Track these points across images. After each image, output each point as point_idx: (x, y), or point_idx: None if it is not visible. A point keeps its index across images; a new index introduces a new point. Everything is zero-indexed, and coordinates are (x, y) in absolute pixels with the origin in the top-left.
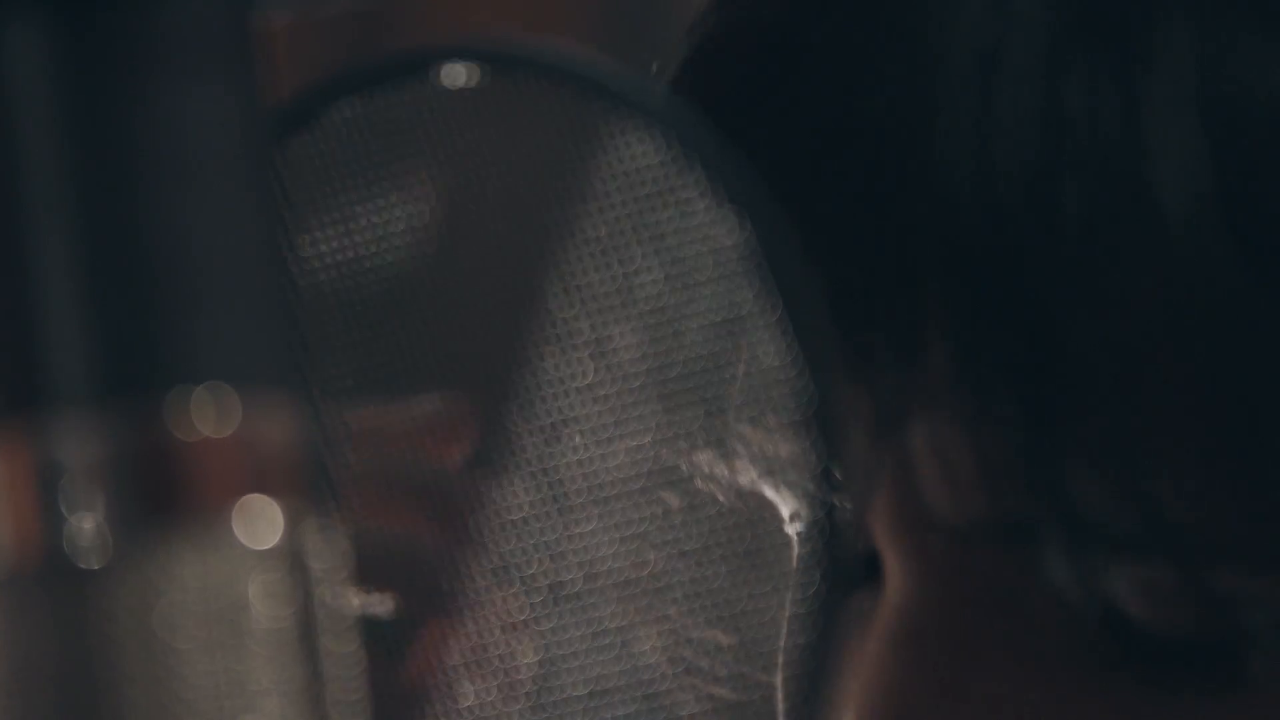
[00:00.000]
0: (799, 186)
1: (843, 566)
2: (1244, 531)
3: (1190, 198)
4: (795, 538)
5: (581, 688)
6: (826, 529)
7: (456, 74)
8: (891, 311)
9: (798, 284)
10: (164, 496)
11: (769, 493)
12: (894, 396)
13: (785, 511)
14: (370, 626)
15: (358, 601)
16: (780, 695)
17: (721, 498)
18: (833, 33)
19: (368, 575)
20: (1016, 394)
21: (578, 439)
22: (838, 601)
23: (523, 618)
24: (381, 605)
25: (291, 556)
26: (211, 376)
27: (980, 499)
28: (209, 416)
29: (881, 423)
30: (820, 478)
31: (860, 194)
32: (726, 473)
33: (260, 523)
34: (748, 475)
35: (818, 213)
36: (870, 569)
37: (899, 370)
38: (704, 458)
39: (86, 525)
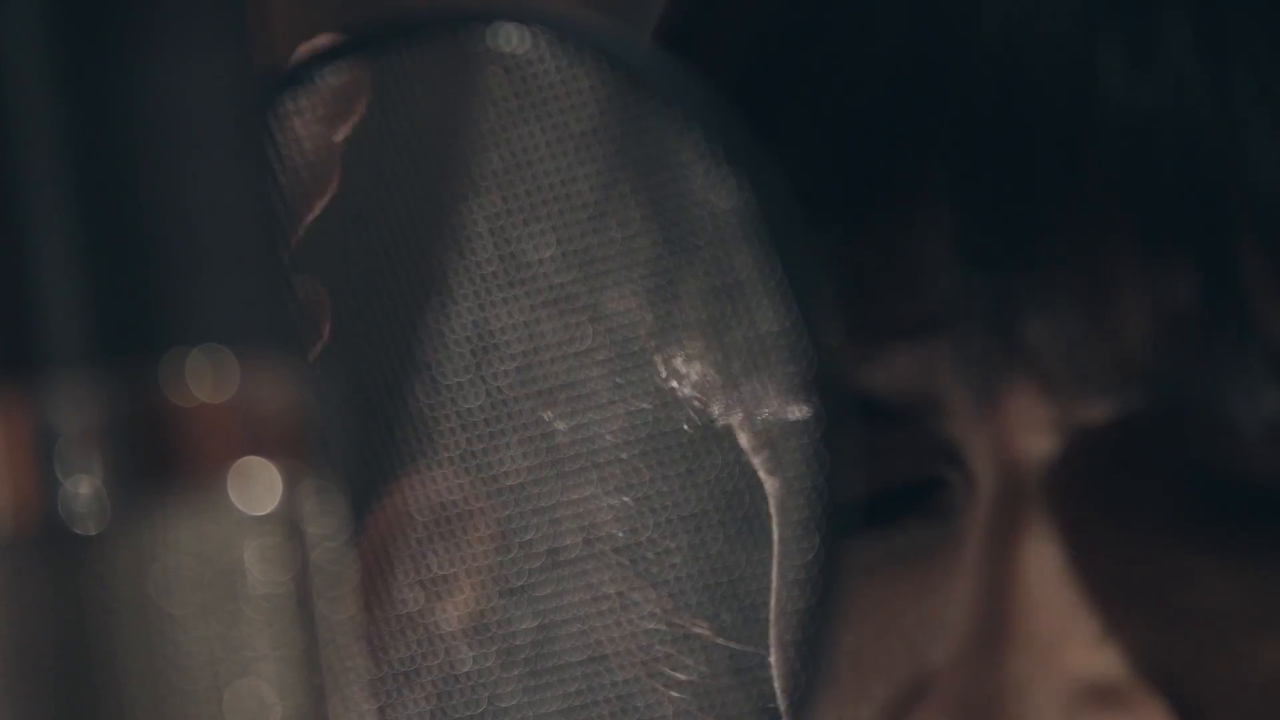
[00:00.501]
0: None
1: (841, 529)
2: None
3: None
4: (793, 502)
5: (580, 653)
6: (825, 492)
7: (455, 36)
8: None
9: (796, 247)
10: (160, 460)
11: (767, 457)
12: (1003, 294)
13: (783, 475)
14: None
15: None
16: (778, 660)
17: (719, 462)
18: None
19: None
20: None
21: (576, 403)
22: (836, 566)
23: (521, 583)
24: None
25: (288, 521)
26: (207, 339)
27: (1125, 367)
28: (205, 380)
29: (991, 324)
30: (819, 441)
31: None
32: (724, 437)
33: (256, 487)
34: (746, 439)
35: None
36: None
37: (1007, 270)
38: (702, 422)
39: (82, 490)
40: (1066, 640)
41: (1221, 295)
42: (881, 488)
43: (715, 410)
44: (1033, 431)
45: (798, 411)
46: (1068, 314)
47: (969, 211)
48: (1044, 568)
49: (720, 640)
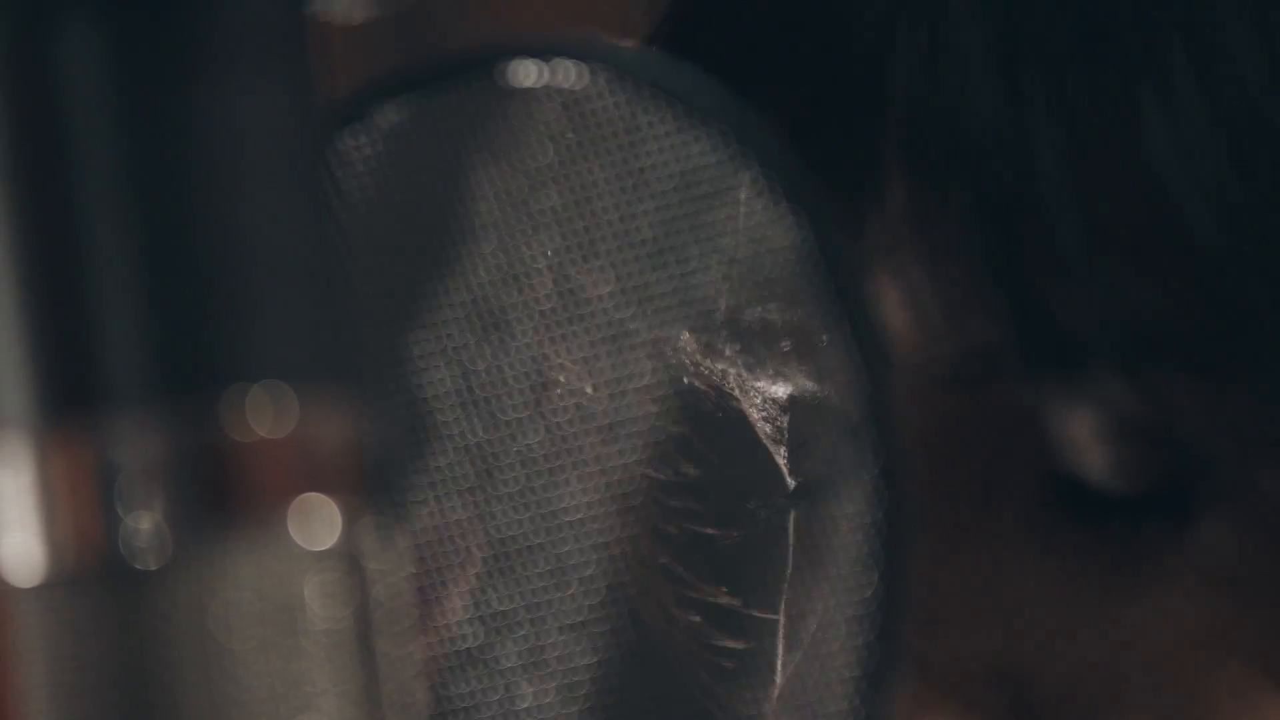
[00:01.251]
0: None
1: (901, 565)
2: (1203, 344)
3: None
4: (852, 539)
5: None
6: (885, 529)
7: (513, 73)
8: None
9: (855, 284)
10: (220, 496)
11: (829, 494)
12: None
13: (843, 510)
14: None
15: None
16: (843, 694)
17: (782, 498)
18: None
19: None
20: (984, 222)
21: (634, 439)
22: (897, 601)
23: (580, 620)
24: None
25: (348, 556)
26: (267, 375)
27: (953, 334)
28: (265, 416)
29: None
30: (880, 478)
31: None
32: (783, 473)
33: (316, 522)
34: (809, 476)
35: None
36: None
37: (857, 214)
38: (761, 458)
39: (143, 525)
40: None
41: (1008, 283)
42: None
43: (775, 445)
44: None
45: (860, 448)
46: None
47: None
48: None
49: (779, 676)
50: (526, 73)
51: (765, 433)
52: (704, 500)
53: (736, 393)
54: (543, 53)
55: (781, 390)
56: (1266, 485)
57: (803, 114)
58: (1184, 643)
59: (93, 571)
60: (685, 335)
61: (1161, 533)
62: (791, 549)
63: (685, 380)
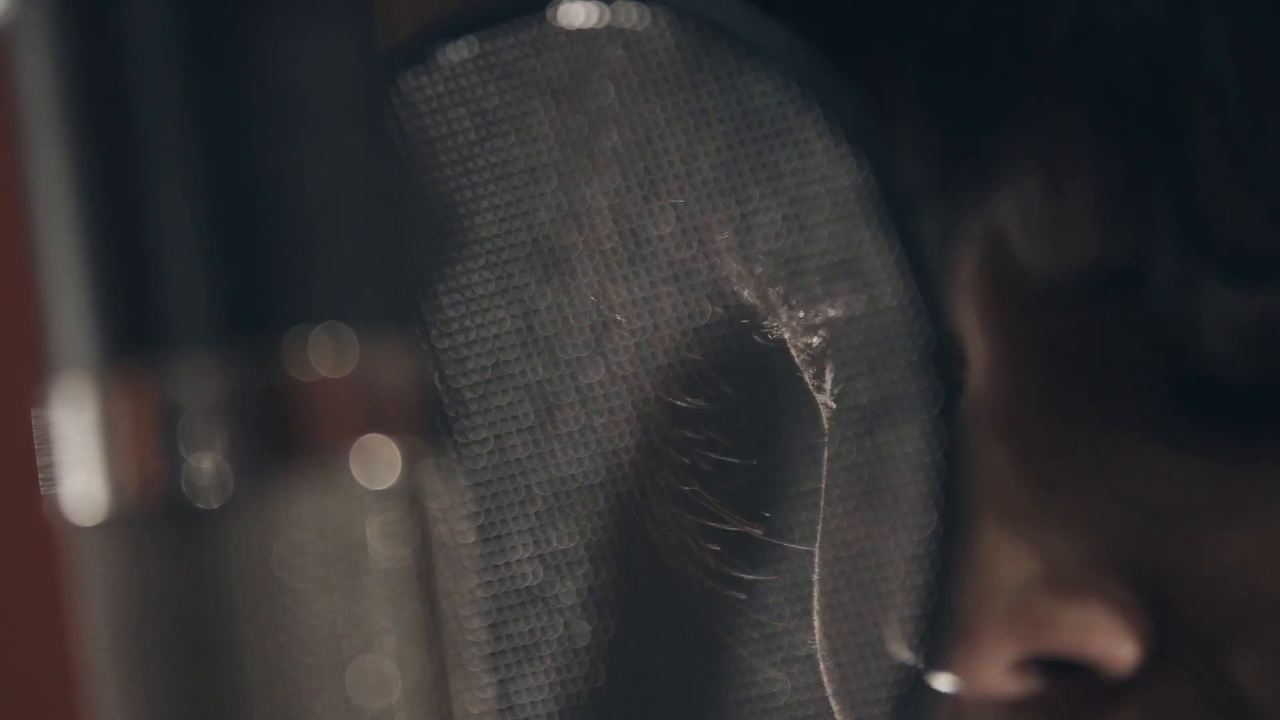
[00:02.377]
0: None
1: (960, 505)
2: None
3: None
4: (911, 477)
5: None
6: (944, 468)
7: (574, 13)
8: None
9: (914, 224)
10: (282, 437)
11: (886, 432)
12: (980, 157)
13: (902, 450)
14: None
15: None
16: (899, 634)
17: (838, 438)
18: None
19: None
20: (1125, 123)
21: (694, 380)
22: (955, 542)
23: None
24: None
25: (409, 496)
26: (328, 316)
27: (1083, 244)
28: (326, 356)
29: (963, 188)
30: (939, 417)
31: None
32: (844, 414)
33: (378, 463)
34: (866, 415)
35: None
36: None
37: (985, 122)
38: (820, 399)
39: (205, 465)
40: (1029, 525)
41: (1173, 184)
42: None
43: (833, 386)
44: (1004, 309)
45: (918, 385)
46: (1030, 193)
47: (933, 99)
48: (1009, 450)
49: (840, 615)
50: (588, 13)
51: (816, 372)
52: (749, 435)
53: (790, 331)
54: None
55: (842, 330)
56: None
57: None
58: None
59: (154, 510)
60: (746, 274)
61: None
62: (852, 488)
63: (743, 320)
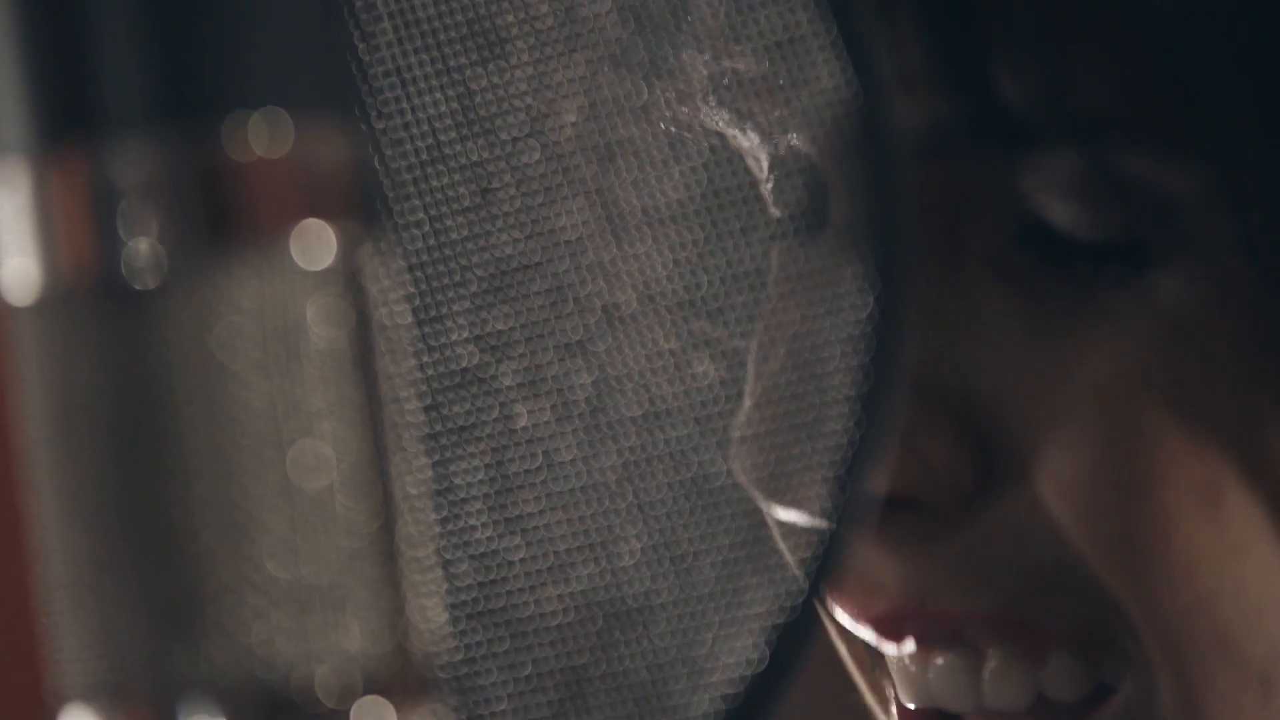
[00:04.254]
0: None
1: (898, 287)
2: (1157, 118)
3: None
4: (848, 256)
5: (636, 409)
6: (880, 248)
7: None
8: None
9: (852, 3)
10: (220, 219)
11: (825, 214)
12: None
13: (838, 231)
14: None
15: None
16: (837, 416)
17: (776, 219)
18: None
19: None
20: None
21: (632, 160)
22: (892, 324)
23: (577, 339)
24: None
25: (347, 279)
26: (266, 100)
27: (918, 101)
28: (263, 139)
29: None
30: (874, 196)
31: None
32: (781, 194)
33: (316, 245)
34: (801, 195)
35: None
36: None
37: None
38: (758, 179)
39: (142, 247)
40: None
41: (985, 51)
42: None
43: (772, 167)
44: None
45: (855, 166)
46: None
47: None
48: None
49: (778, 396)
50: None
51: (755, 153)
52: (700, 220)
53: (730, 113)
54: None
55: (781, 110)
56: (1222, 242)
57: None
58: (1127, 381)
59: (90, 290)
60: (685, 53)
61: (1121, 278)
62: (788, 270)
63: (684, 100)
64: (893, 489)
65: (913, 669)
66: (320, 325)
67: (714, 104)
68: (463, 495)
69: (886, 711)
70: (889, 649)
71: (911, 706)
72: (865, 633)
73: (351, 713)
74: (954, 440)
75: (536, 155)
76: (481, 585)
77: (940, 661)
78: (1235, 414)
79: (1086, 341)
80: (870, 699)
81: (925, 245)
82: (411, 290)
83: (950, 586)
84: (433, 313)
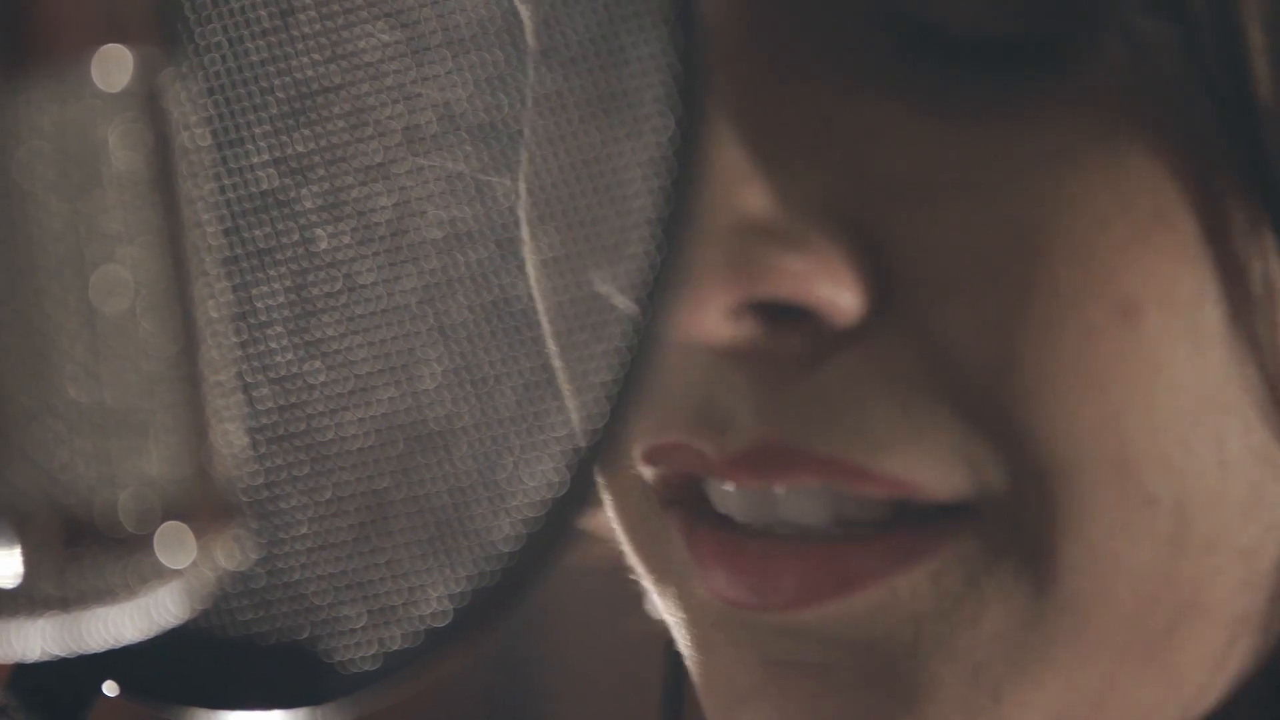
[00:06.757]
0: None
1: (697, 111)
2: None
3: None
4: (648, 80)
5: (437, 231)
6: (681, 74)
7: None
8: None
9: None
10: (18, 44)
11: (625, 36)
12: None
13: (639, 55)
14: None
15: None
16: (638, 240)
17: (573, 41)
18: None
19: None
20: None
21: None
22: (692, 147)
23: (377, 161)
24: None
25: (147, 101)
26: None
27: None
28: None
29: None
30: (677, 20)
31: None
32: (580, 15)
33: (116, 70)
34: (603, 17)
35: None
36: None
37: None
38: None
39: None
40: (743, 182)
41: None
42: None
43: None
44: None
45: None
46: None
47: None
48: (729, 107)
49: (579, 220)
50: None
51: None
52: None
53: None
54: None
55: None
56: (1148, 33)
57: None
58: (1043, 190)
59: None
60: None
61: (1034, 80)
62: (588, 93)
63: None
64: (781, 298)
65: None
66: (121, 149)
67: None
68: (263, 319)
69: (666, 578)
70: (730, 486)
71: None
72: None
73: (154, 538)
74: (848, 259)
75: None
76: (282, 409)
77: (781, 490)
78: (1159, 225)
79: (996, 149)
80: (643, 569)
81: (810, 56)
82: (211, 113)
83: (815, 425)
84: (233, 135)
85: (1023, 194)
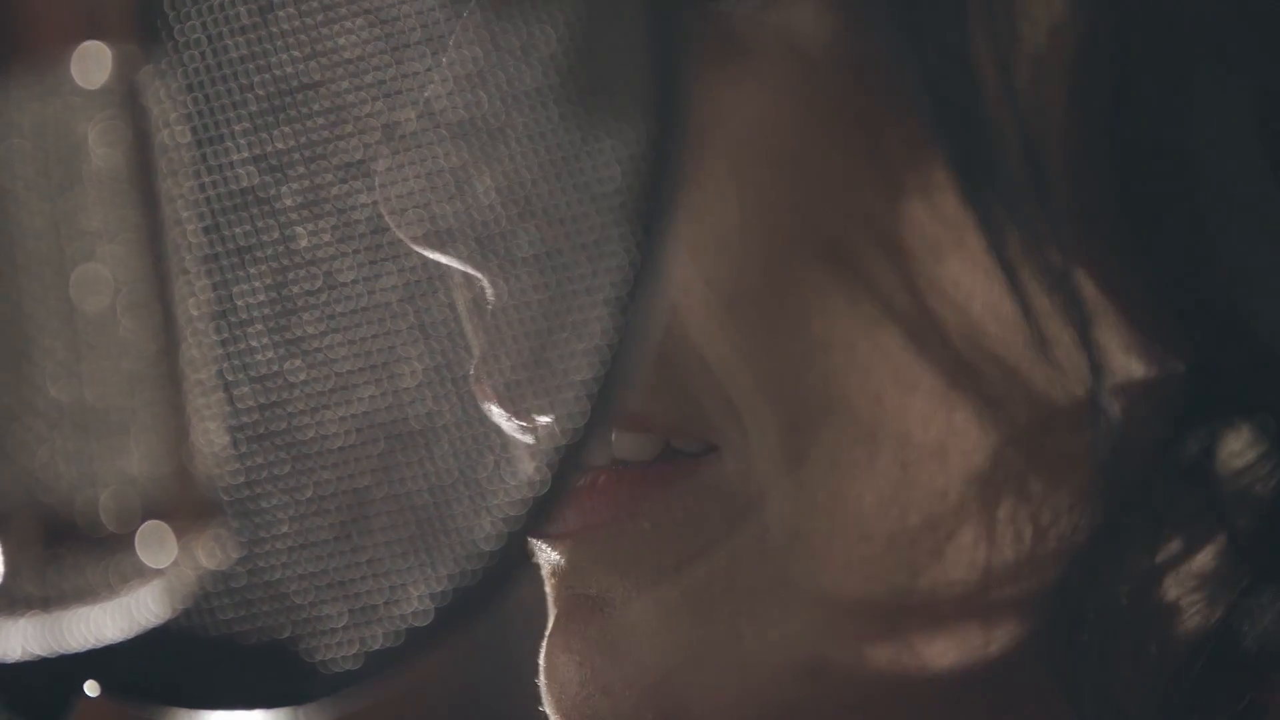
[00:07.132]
0: None
1: (677, 110)
2: None
3: None
4: (630, 74)
5: (418, 228)
6: (658, 72)
7: None
8: None
9: None
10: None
11: (598, 35)
12: None
13: (616, 53)
14: None
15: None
16: (619, 238)
17: (556, 37)
18: None
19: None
20: None
21: None
22: (673, 150)
23: (358, 159)
24: None
25: (127, 99)
26: None
27: None
28: None
29: None
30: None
31: None
32: (563, 11)
33: (96, 68)
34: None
35: None
36: None
37: None
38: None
39: None
40: None
41: None
42: None
43: None
44: None
45: None
46: None
47: None
48: None
49: (561, 216)
50: None
51: None
52: (479, 37)
53: None
54: None
55: None
56: None
57: None
58: (761, 129)
59: None
60: None
61: (748, 11)
62: (568, 90)
63: None
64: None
65: None
66: (100, 146)
67: None
68: (244, 317)
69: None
70: None
71: None
72: None
73: (135, 537)
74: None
75: None
76: (263, 408)
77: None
78: (866, 165)
79: (717, 89)
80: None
81: None
82: (191, 110)
83: None
84: (212, 133)
85: (744, 132)
